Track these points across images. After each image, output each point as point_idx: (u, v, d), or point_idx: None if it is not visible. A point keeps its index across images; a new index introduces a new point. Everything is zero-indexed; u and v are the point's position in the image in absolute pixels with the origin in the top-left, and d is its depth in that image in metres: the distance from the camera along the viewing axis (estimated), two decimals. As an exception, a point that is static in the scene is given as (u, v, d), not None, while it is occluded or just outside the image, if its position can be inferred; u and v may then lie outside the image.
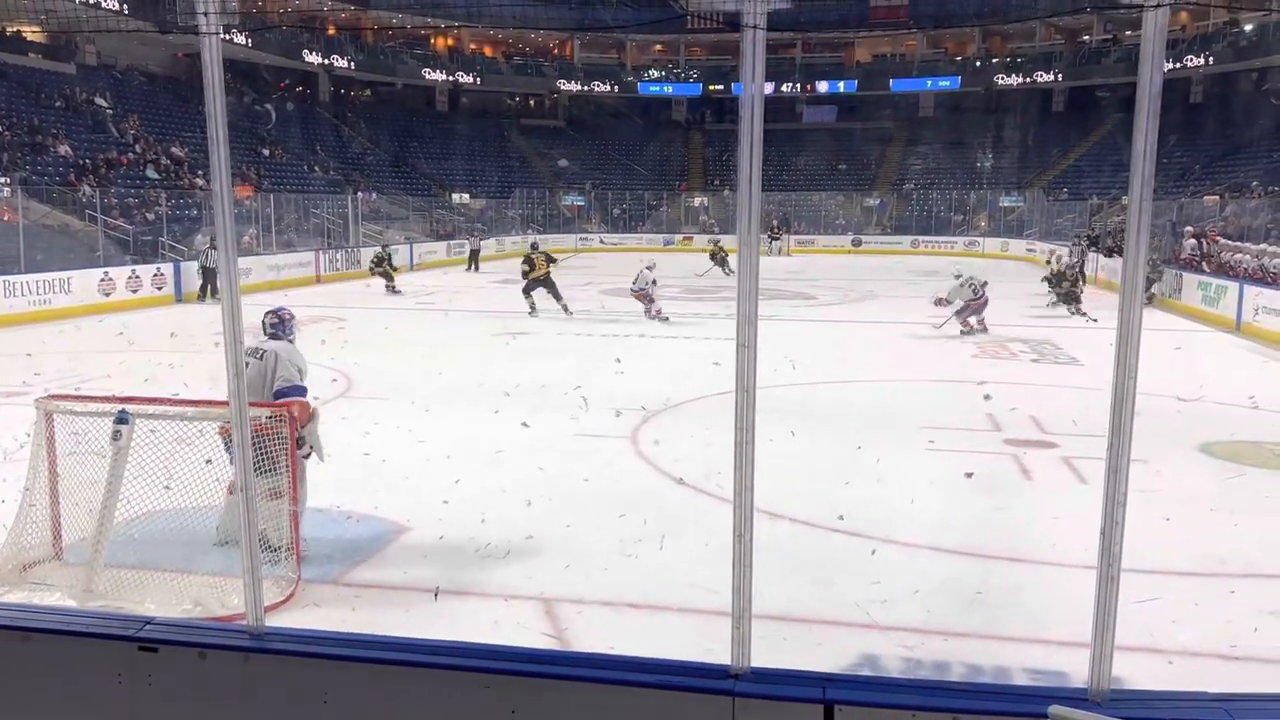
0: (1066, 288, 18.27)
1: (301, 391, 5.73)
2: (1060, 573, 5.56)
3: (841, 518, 6.18)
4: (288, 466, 5.29)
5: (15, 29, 30.33)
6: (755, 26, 2.38)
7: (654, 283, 17.06)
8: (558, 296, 17.47)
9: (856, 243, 41.31)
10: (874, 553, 5.69)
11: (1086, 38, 45.42)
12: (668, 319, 16.66)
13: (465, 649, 2.74)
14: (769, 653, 2.69)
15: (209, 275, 20.36)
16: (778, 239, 38.63)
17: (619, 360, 11.45)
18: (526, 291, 17.70)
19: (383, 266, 23.85)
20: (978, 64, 46.68)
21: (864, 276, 27.89)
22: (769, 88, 49.24)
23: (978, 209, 42.95)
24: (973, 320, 15.59)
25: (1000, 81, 45.28)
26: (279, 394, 5.61)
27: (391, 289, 22.86)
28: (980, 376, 11.84)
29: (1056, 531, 6.27)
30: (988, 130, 44.40)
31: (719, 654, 2.67)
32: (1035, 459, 8.04)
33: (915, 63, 48.38)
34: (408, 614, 4.87)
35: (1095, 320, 16.09)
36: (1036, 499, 7.13)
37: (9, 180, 21.29)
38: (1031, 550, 5.94)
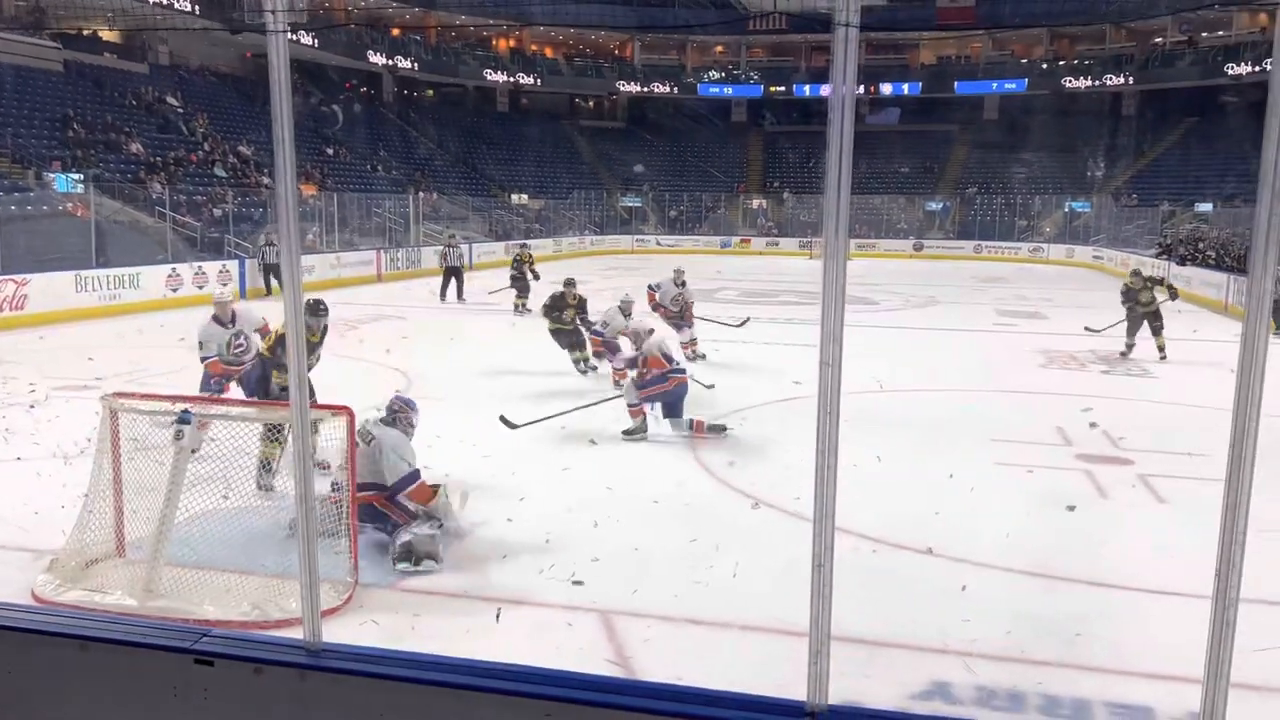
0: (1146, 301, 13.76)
1: (414, 477, 5.90)
2: (1144, 600, 5.30)
3: (930, 550, 5.95)
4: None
5: (90, 29, 31.13)
6: (848, 24, 2.22)
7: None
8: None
9: (918, 247, 40.68)
10: (964, 589, 5.37)
11: (1159, 40, 44.19)
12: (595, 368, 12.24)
13: (528, 674, 2.62)
14: (839, 678, 2.54)
15: (271, 270, 20.65)
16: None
17: (711, 387, 10.57)
18: None
19: (522, 271, 18.47)
20: (1044, 66, 45.69)
21: (926, 282, 27.39)
22: (827, 90, 48.36)
23: (1043, 214, 42.05)
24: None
25: (1069, 84, 44.27)
26: (394, 489, 5.83)
27: (522, 307, 17.81)
28: (1048, 387, 11.54)
29: (1137, 554, 6.02)
30: (1054, 134, 43.30)
31: (794, 688, 2.54)
32: (1109, 476, 7.73)
33: (980, 65, 47.53)
34: (468, 633, 4.76)
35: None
36: (1115, 519, 6.84)
37: (82, 177, 21.78)
38: (1112, 575, 5.67)
